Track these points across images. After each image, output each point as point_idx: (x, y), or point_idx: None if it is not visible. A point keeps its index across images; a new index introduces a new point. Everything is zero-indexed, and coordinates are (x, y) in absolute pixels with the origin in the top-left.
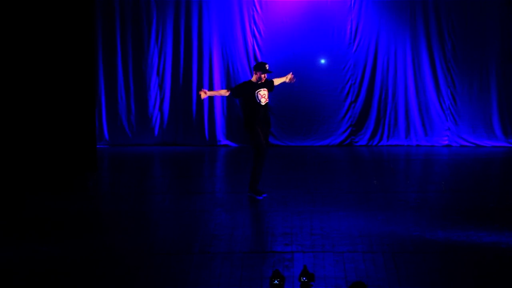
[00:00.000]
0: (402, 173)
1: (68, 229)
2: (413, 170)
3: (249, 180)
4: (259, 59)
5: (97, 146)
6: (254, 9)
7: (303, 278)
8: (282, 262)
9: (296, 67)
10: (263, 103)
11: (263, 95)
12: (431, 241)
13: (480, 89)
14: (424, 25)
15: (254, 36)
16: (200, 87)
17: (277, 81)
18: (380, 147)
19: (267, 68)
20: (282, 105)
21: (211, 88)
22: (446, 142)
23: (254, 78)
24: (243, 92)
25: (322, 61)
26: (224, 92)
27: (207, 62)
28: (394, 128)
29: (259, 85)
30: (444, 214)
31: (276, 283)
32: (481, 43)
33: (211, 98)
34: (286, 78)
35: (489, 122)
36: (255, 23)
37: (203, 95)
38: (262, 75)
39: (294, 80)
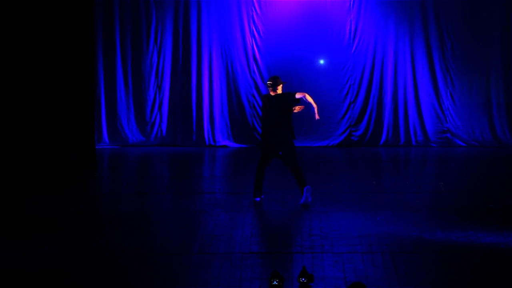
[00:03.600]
0: (401, 174)
1: (68, 229)
2: (412, 171)
3: (297, 180)
4: (258, 59)
5: (97, 146)
6: (253, 9)
7: (302, 279)
8: (281, 263)
9: (295, 67)
10: None
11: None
12: (430, 241)
13: (479, 90)
14: (423, 26)
15: (253, 36)
16: (199, 87)
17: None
18: (379, 147)
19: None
20: None
21: (211, 89)
22: (445, 143)
23: (279, 90)
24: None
25: (321, 61)
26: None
27: (206, 63)
28: (393, 128)
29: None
30: (443, 214)
31: (275, 284)
32: (481, 44)
33: (210, 99)
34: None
35: (489, 122)
36: (254, 23)
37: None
38: None
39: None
